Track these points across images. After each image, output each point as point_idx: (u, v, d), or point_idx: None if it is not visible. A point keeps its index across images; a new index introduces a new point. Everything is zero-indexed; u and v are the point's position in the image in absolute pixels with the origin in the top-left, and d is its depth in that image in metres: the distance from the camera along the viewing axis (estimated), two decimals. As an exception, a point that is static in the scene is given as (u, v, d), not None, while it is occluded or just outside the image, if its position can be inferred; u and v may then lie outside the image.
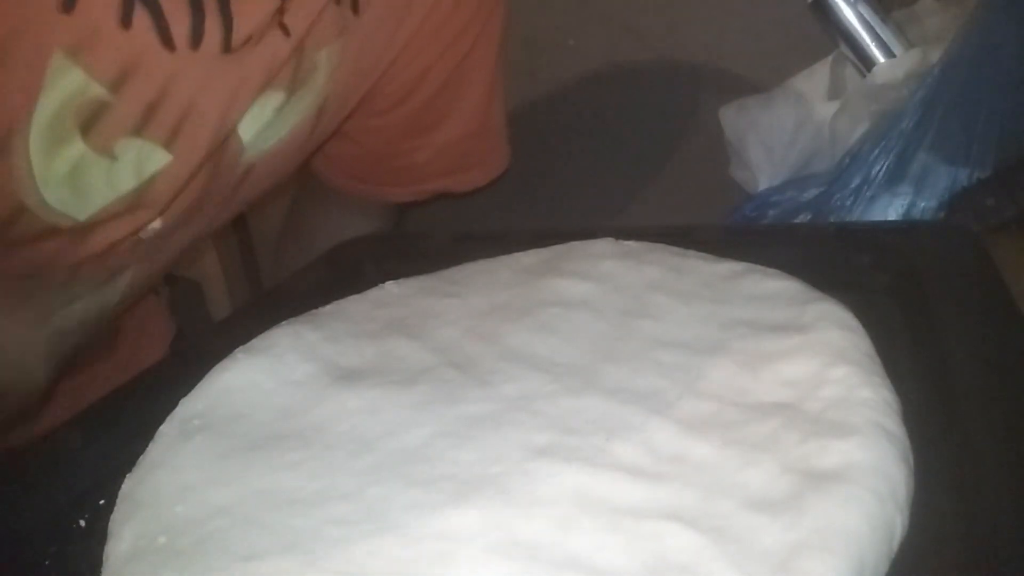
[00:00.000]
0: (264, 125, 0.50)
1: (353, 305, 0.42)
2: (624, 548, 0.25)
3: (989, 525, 0.25)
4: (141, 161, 0.43)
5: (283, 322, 0.39)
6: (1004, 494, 0.26)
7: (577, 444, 0.29)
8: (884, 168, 0.54)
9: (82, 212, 0.44)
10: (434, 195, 0.65)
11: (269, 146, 0.52)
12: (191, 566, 0.26)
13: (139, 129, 0.42)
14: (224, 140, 0.47)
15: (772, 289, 0.38)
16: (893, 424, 0.28)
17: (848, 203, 0.55)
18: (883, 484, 0.25)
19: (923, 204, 0.54)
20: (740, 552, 0.24)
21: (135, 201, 0.45)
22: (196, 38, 0.41)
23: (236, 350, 0.37)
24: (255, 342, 0.37)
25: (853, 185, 0.55)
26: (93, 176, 0.43)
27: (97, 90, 0.40)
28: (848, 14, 0.58)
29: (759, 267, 0.40)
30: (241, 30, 0.43)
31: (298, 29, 0.46)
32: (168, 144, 0.44)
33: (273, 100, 0.49)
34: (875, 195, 0.55)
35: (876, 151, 0.54)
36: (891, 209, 0.55)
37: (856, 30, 0.58)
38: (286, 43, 0.46)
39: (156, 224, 0.50)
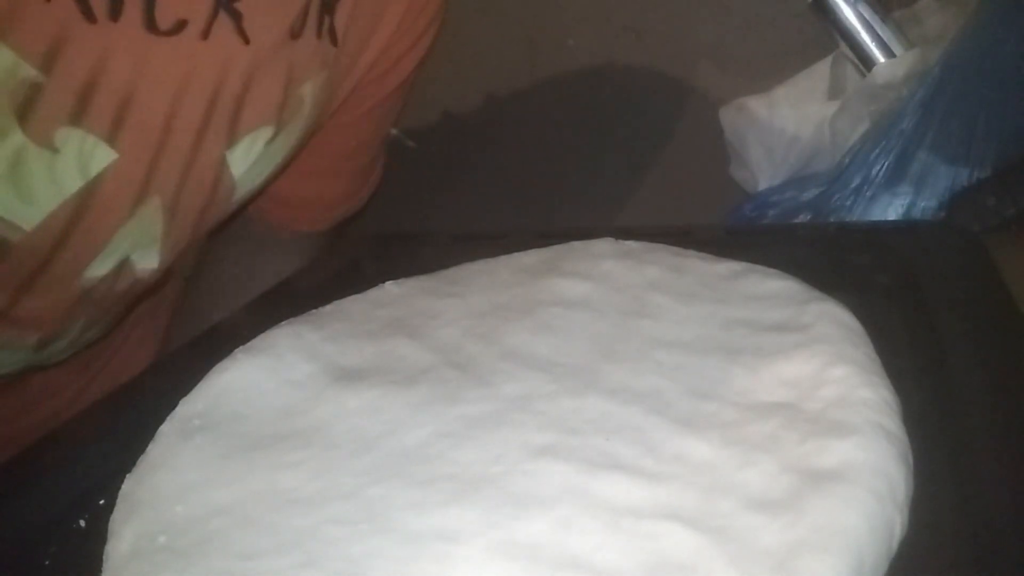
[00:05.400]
0: (256, 158, 0.50)
1: (353, 305, 0.42)
2: (624, 548, 0.25)
3: (989, 525, 0.25)
4: (84, 157, 0.42)
5: (283, 322, 0.39)
6: (1003, 494, 0.26)
7: (577, 444, 0.29)
8: (884, 168, 0.54)
9: (27, 218, 0.42)
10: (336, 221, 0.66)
11: (260, 182, 0.52)
12: (191, 566, 0.26)
13: (77, 116, 0.41)
14: (194, 156, 0.46)
15: (772, 289, 0.38)
16: (893, 424, 0.28)
17: (848, 203, 0.55)
18: (883, 484, 0.25)
19: (923, 204, 0.54)
20: (740, 552, 0.24)
21: (83, 204, 0.43)
22: (115, 8, 0.40)
23: (236, 350, 0.37)
24: (255, 342, 0.37)
25: (853, 185, 0.55)
26: (35, 172, 0.41)
27: (28, 71, 0.39)
28: (848, 14, 0.59)
29: (759, 267, 0.40)
30: (169, 9, 0.42)
31: (259, 40, 0.46)
32: (111, 139, 0.43)
33: (263, 134, 0.49)
34: (875, 195, 0.55)
35: (876, 151, 0.54)
36: (891, 209, 0.55)
37: (856, 30, 0.58)
38: (244, 51, 0.45)
39: (154, 264, 0.49)
